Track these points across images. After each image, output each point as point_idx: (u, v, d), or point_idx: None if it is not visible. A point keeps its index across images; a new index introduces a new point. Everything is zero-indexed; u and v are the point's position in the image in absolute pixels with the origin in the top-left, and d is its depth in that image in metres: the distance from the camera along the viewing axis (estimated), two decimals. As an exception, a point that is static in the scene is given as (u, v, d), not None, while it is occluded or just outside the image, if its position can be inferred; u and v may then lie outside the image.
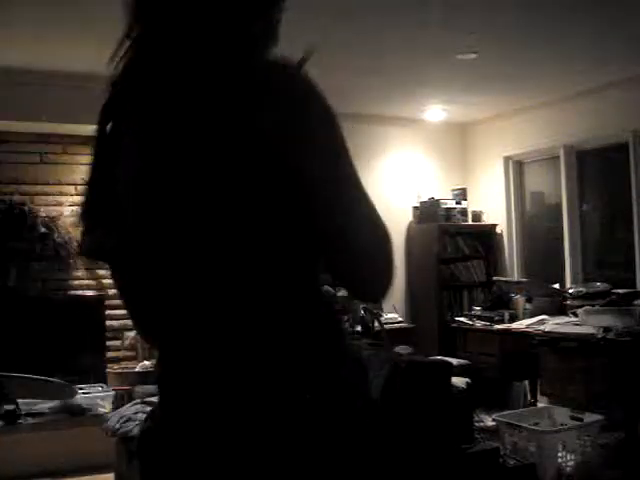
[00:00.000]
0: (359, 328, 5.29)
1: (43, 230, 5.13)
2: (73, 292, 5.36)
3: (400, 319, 6.29)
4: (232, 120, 0.97)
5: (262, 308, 1.02)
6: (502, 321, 5.30)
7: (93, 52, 4.55)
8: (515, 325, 5.13)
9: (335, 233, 1.03)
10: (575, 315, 4.69)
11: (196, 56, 1.02)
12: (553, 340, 4.45)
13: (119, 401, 4.53)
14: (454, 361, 4.24)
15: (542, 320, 4.92)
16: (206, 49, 1.03)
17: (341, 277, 1.07)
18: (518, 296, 5.53)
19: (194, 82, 1.01)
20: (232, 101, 0.97)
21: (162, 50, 1.05)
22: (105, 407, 4.66)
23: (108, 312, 5.41)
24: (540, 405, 5.06)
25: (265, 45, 1.15)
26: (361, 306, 5.61)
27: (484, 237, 6.68)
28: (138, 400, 3.94)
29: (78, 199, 5.43)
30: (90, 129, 4.53)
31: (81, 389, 4.75)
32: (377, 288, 1.11)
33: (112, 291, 5.49)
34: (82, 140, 5.43)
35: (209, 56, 1.02)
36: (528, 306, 5.37)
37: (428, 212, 6.55)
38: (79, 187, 5.47)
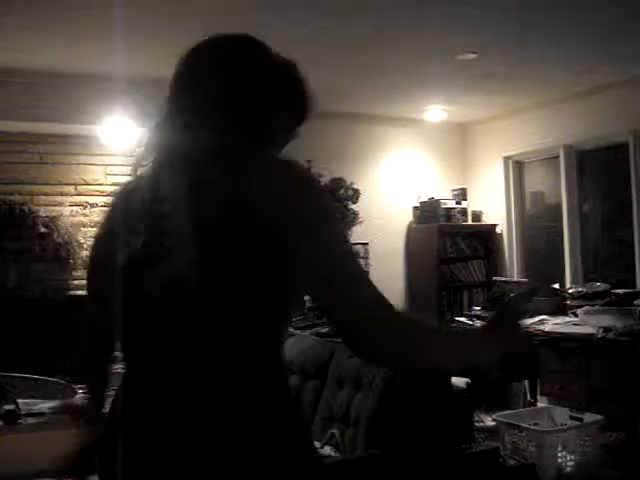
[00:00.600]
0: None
1: (43, 230, 5.13)
2: (73, 292, 5.36)
3: (400, 319, 6.29)
4: (240, 206, 1.10)
5: (221, 367, 1.14)
6: (502, 321, 5.29)
7: (93, 52, 4.56)
8: (515, 325, 5.12)
9: (338, 301, 1.12)
10: (575, 315, 4.69)
11: (217, 155, 1.18)
12: (553, 340, 4.45)
13: (119, 401, 4.53)
14: (454, 361, 4.23)
15: (542, 320, 4.91)
16: (226, 148, 1.19)
17: (341, 334, 1.15)
18: (518, 296, 5.53)
19: (216, 177, 1.14)
20: (244, 192, 1.11)
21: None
22: (105, 407, 4.66)
23: (108, 312, 5.41)
24: (540, 405, 5.06)
25: (274, 146, 1.35)
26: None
27: (484, 237, 6.68)
28: (138, 400, 3.94)
29: (78, 199, 5.44)
30: (90, 129, 4.58)
31: (81, 389, 4.75)
32: (369, 348, 1.15)
33: (112, 291, 5.50)
34: (82, 140, 5.44)
35: (229, 154, 1.17)
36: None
37: (428, 212, 6.55)
38: (79, 187, 5.47)
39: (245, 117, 1.25)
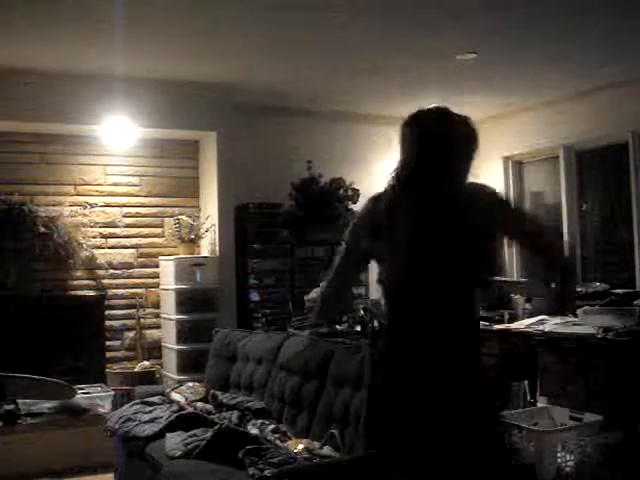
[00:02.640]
0: (359, 328, 5.29)
1: (43, 230, 5.13)
2: (73, 292, 5.36)
3: (400, 319, 6.28)
4: (464, 216, 2.09)
5: (458, 312, 2.09)
6: (502, 321, 5.29)
7: (93, 52, 4.56)
8: (515, 325, 5.12)
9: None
10: (575, 315, 4.69)
11: (441, 185, 2.17)
12: (553, 340, 4.44)
13: (119, 401, 4.53)
14: (454, 361, 4.22)
15: (542, 320, 4.91)
16: (446, 182, 2.17)
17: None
18: (518, 296, 5.53)
19: (442, 199, 2.13)
20: (463, 208, 2.10)
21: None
22: (105, 407, 4.65)
23: (108, 312, 5.41)
24: (540, 405, 5.06)
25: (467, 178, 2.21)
26: (361, 306, 5.61)
27: (484, 237, 6.67)
28: (138, 400, 3.94)
29: (78, 199, 5.44)
30: (90, 129, 4.60)
31: (81, 389, 4.75)
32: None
33: (112, 291, 5.49)
34: (82, 140, 5.44)
35: (448, 186, 2.16)
36: (528, 306, 5.36)
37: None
38: (79, 187, 5.47)
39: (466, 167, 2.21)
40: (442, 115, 2.30)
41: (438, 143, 2.24)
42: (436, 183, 2.16)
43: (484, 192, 2.16)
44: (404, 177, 2.30)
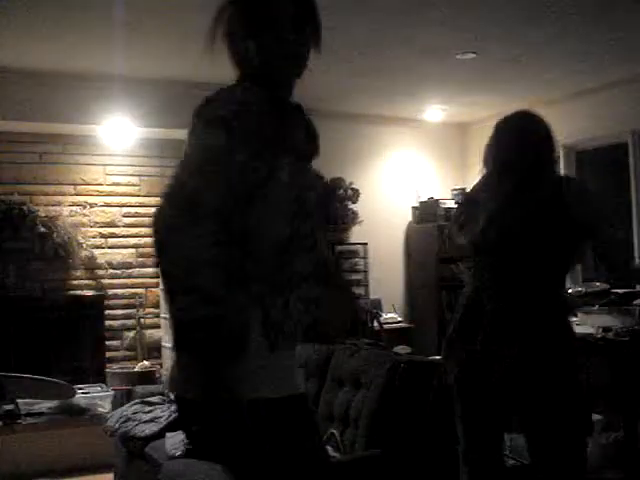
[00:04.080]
0: (359, 328, 5.29)
1: (42, 230, 5.13)
2: (73, 292, 5.36)
3: (400, 319, 6.29)
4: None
5: (544, 297, 2.39)
6: (502, 321, 5.29)
7: (93, 52, 4.56)
8: (515, 325, 5.12)
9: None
10: (574, 315, 4.69)
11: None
12: (553, 340, 4.44)
13: (119, 401, 4.52)
14: (454, 361, 4.22)
15: (542, 320, 4.91)
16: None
17: None
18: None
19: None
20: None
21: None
22: (105, 407, 4.65)
23: (108, 312, 5.41)
24: (540, 405, 5.05)
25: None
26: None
27: (484, 237, 6.67)
28: (138, 400, 3.94)
29: (77, 199, 5.43)
30: (90, 129, 4.60)
31: (81, 389, 4.75)
32: None
33: (112, 291, 5.49)
34: (82, 140, 5.44)
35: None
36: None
37: (427, 212, 6.55)
38: (78, 187, 5.47)
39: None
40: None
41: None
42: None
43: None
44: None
